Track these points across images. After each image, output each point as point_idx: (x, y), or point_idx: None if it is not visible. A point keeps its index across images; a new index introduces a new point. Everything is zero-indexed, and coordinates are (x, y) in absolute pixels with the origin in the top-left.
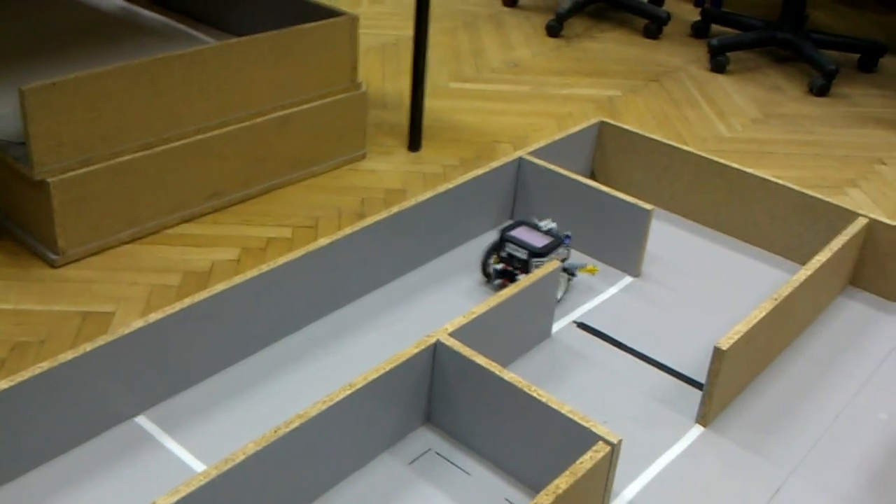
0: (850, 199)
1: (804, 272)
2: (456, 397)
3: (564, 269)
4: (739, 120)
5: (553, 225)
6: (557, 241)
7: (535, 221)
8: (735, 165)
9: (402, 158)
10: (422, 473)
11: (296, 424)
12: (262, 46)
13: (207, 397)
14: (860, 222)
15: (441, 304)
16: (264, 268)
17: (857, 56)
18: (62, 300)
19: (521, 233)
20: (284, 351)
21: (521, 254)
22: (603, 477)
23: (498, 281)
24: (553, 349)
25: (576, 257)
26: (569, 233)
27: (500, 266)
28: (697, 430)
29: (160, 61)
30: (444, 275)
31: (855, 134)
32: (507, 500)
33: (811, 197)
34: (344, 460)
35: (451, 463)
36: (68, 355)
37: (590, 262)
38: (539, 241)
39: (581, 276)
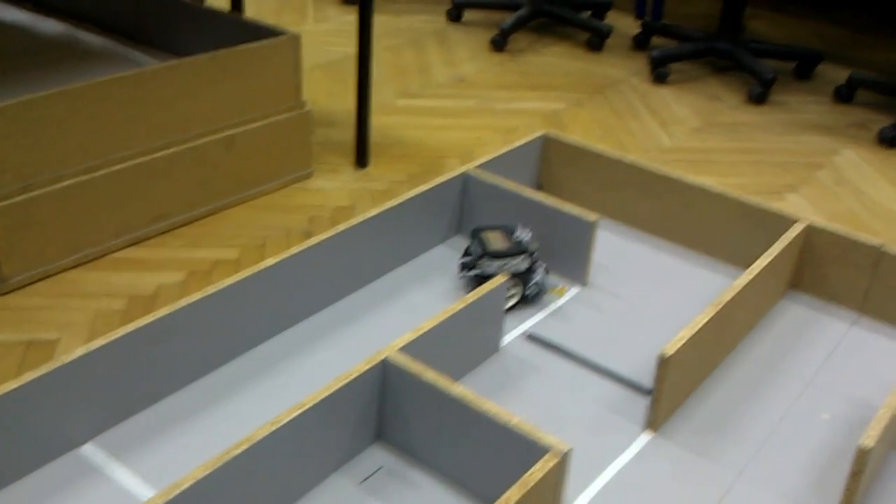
0: (790, 204)
1: (745, 277)
2: (406, 414)
3: (515, 275)
4: (681, 129)
5: (527, 236)
6: (517, 250)
7: (516, 229)
8: (677, 174)
9: (349, 176)
10: (373, 492)
11: (244, 447)
12: (203, 67)
13: (156, 422)
14: (798, 227)
15: (391, 320)
16: (210, 290)
17: (793, 64)
18: (5, 329)
19: (491, 233)
20: (233, 373)
21: (478, 251)
22: (554, 487)
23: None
24: (503, 361)
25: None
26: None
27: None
28: (646, 436)
29: (100, 84)
30: (393, 291)
31: (793, 140)
32: None
33: (751, 203)
34: (294, 482)
35: (403, 480)
36: (11, 385)
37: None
38: (500, 244)
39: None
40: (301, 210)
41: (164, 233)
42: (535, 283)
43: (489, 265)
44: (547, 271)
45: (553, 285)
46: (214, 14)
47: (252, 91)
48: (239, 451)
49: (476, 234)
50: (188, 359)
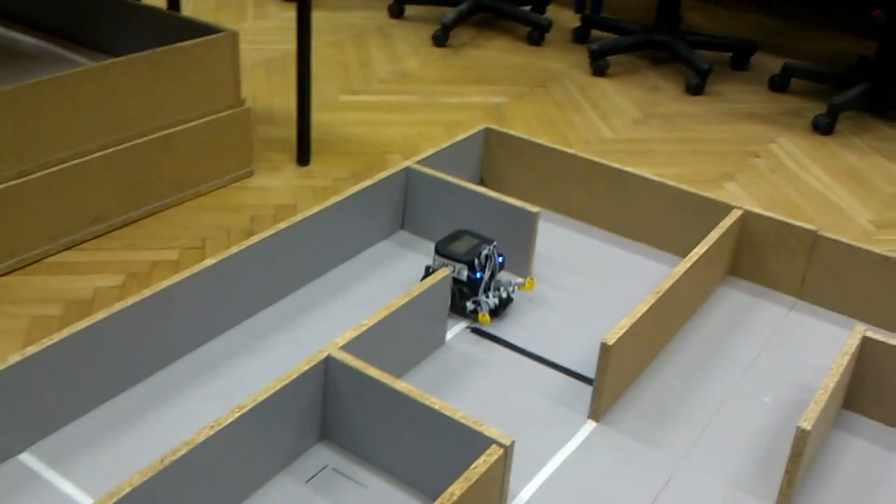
0: (727, 192)
1: (684, 265)
2: (350, 412)
3: (462, 283)
4: (621, 121)
5: (491, 257)
6: (459, 258)
7: (489, 246)
8: (617, 165)
9: (291, 174)
10: (319, 491)
11: (183, 452)
12: (139, 66)
13: (96, 429)
14: (735, 214)
15: (335, 317)
16: (146, 292)
17: (729, 55)
18: None
19: (466, 238)
20: (174, 376)
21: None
22: (498, 480)
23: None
24: (447, 356)
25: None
26: (501, 254)
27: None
28: (590, 425)
29: (34, 86)
30: (337, 288)
31: (730, 130)
32: None
33: (689, 192)
34: (238, 484)
35: (349, 478)
36: None
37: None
38: (456, 246)
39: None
40: (242, 209)
41: (100, 235)
42: (474, 303)
43: (434, 259)
44: (502, 301)
45: (520, 283)
46: (151, 12)
47: (189, 89)
48: (177, 455)
49: (457, 233)
50: (126, 363)
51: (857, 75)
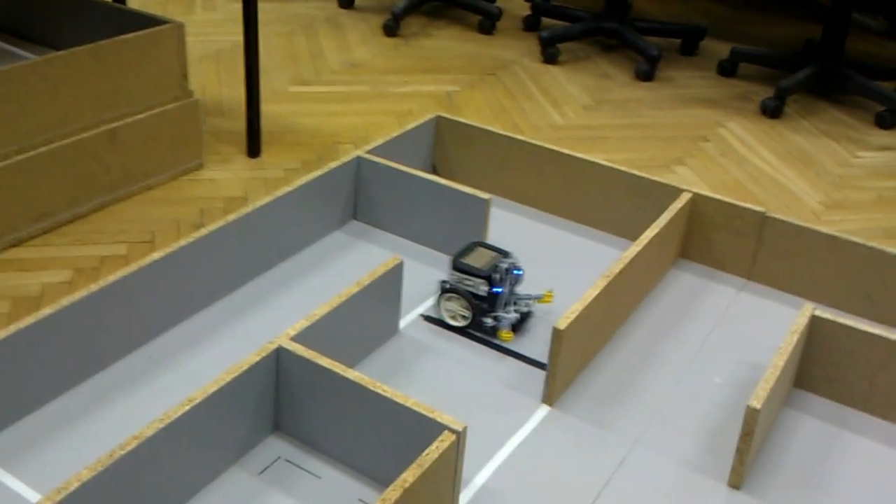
0: (678, 176)
1: (634, 248)
2: (303, 402)
3: (475, 297)
4: (572, 108)
5: (513, 270)
6: (479, 273)
7: (508, 260)
8: (568, 151)
9: (241, 165)
10: (272, 483)
11: (132, 446)
12: (83, 59)
13: (44, 426)
14: (685, 197)
15: (287, 308)
16: (94, 287)
17: (679, 41)
18: None
19: (483, 250)
20: (124, 371)
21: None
22: (451, 466)
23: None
24: (401, 344)
25: (427, 254)
26: (520, 267)
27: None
28: (544, 410)
29: None
30: (289, 279)
31: (680, 115)
32: (360, 500)
33: (639, 177)
34: (190, 477)
35: (302, 469)
36: None
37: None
38: (476, 260)
39: (427, 270)
40: (192, 202)
41: (47, 232)
42: (494, 318)
43: (451, 273)
44: (522, 316)
45: (538, 296)
46: (97, 6)
47: (135, 82)
48: (126, 450)
49: (470, 245)
50: (75, 359)
51: (803, 59)
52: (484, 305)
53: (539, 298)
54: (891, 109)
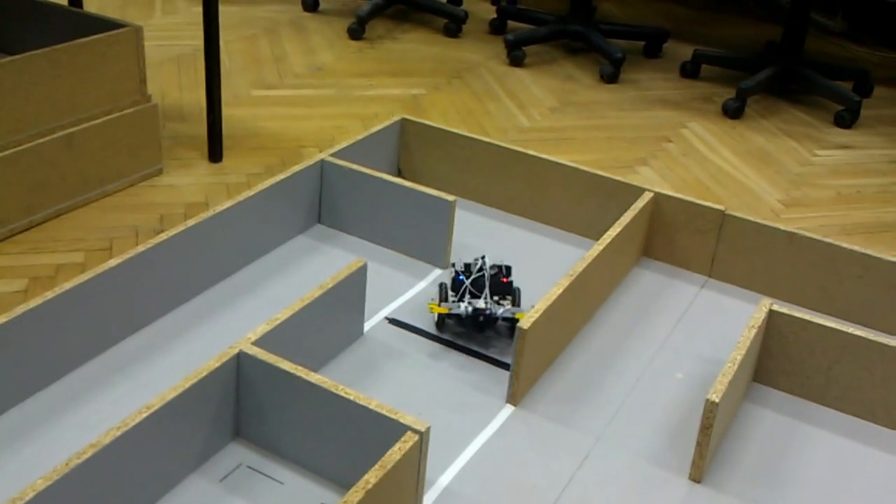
0: (641, 176)
1: (597, 247)
2: (265, 407)
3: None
4: (538, 110)
5: (480, 260)
6: (471, 263)
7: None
8: (533, 153)
9: (202, 171)
10: (234, 490)
11: (88, 455)
12: (38, 64)
13: (0, 435)
14: (646, 196)
15: (250, 313)
16: (49, 295)
17: (642, 43)
18: None
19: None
20: (82, 380)
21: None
22: (414, 466)
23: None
24: (366, 347)
25: (392, 257)
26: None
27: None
28: (508, 409)
29: None
30: (252, 284)
31: (643, 116)
32: None
33: (602, 177)
34: (148, 486)
35: (264, 475)
36: None
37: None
38: (494, 287)
39: (392, 273)
40: (151, 208)
41: (1, 240)
42: (471, 309)
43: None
44: (477, 312)
45: (512, 310)
46: (53, 10)
47: (92, 86)
48: (83, 458)
49: (504, 268)
50: (31, 369)
51: (764, 60)
52: (448, 290)
53: (512, 313)
54: (849, 109)
